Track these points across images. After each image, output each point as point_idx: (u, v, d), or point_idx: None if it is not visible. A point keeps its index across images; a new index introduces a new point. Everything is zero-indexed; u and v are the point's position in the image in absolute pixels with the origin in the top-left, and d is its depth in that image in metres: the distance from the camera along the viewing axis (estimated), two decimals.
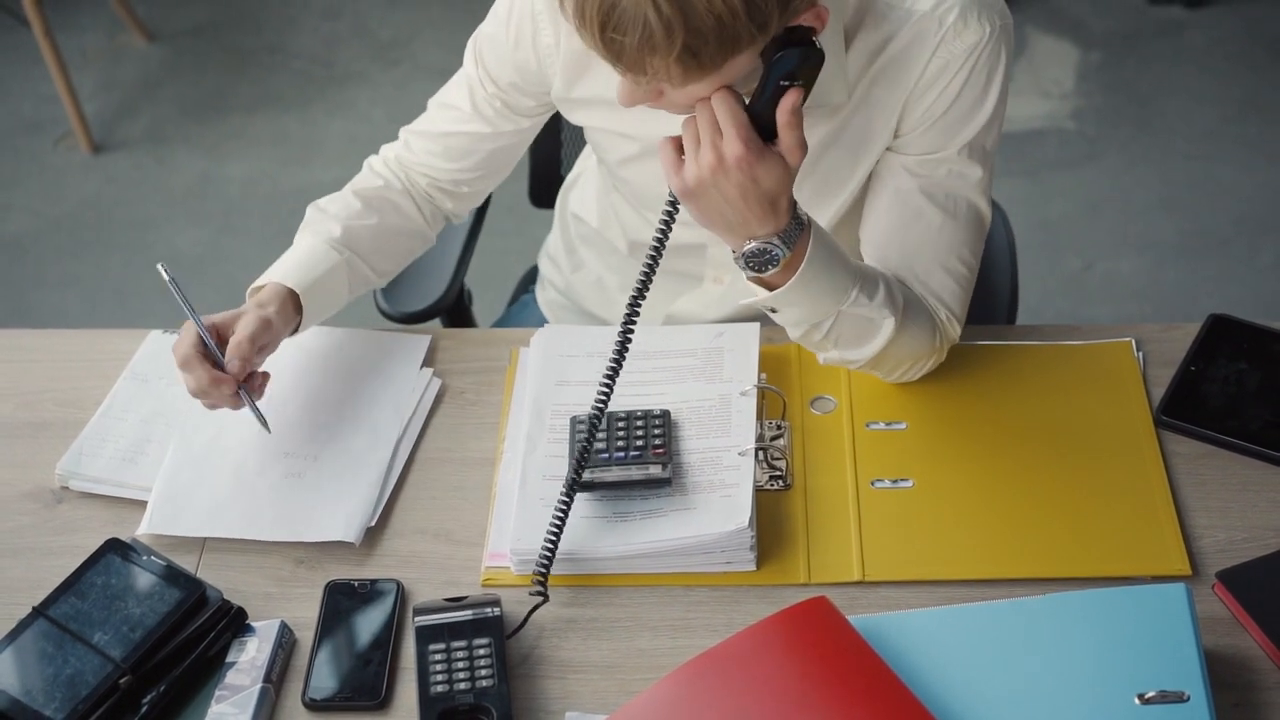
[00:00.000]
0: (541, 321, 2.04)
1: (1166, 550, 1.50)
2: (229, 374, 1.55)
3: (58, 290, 3.32)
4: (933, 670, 1.36)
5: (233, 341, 1.56)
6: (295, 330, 1.66)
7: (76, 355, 1.77)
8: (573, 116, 1.71)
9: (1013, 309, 2.06)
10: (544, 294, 2.06)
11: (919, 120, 1.56)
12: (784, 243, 1.45)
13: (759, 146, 1.39)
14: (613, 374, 1.50)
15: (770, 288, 1.49)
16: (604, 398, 1.50)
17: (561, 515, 1.47)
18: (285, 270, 1.66)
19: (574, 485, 1.49)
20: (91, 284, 3.33)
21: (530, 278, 2.20)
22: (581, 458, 1.50)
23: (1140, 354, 1.70)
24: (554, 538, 1.46)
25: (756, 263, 1.46)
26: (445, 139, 1.75)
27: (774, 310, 1.53)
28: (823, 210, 1.65)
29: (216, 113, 3.75)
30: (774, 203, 1.42)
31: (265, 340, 1.58)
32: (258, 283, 1.66)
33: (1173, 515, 1.53)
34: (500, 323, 2.14)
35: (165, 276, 1.58)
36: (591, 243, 1.92)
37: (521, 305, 2.13)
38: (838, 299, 1.51)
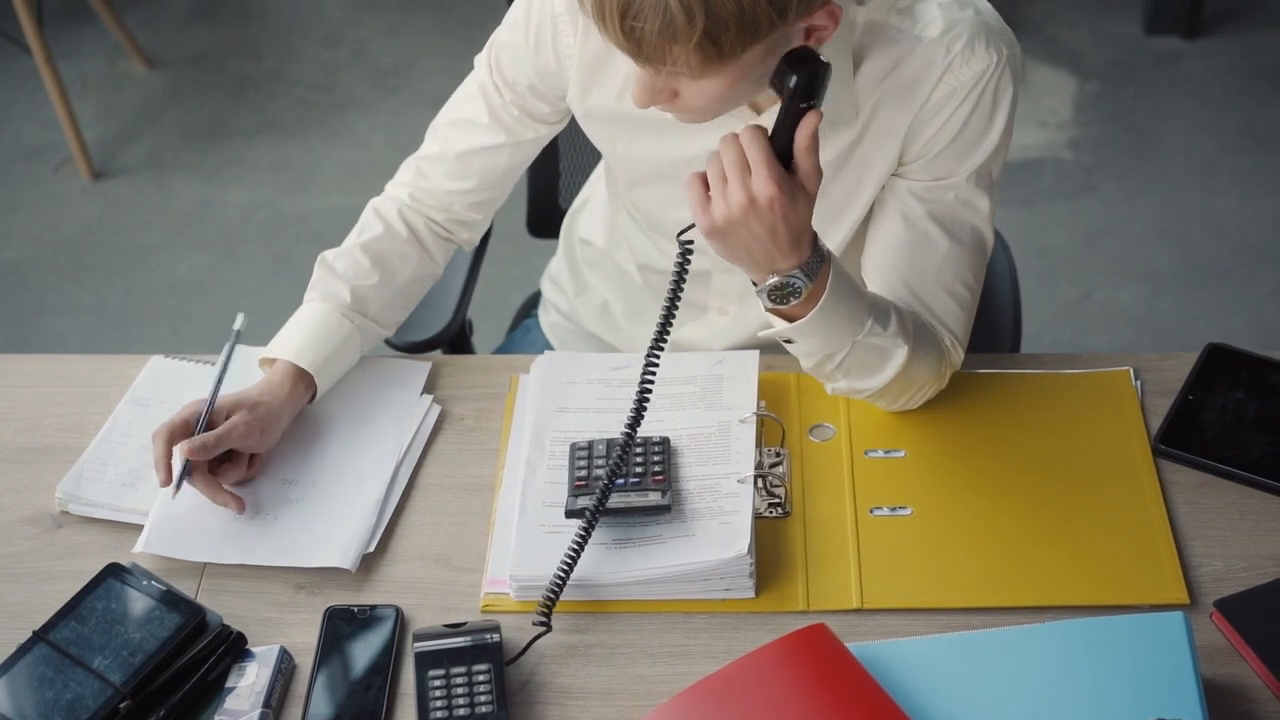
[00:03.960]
0: (543, 346, 2.04)
1: (1164, 579, 1.50)
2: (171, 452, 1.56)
3: (58, 316, 3.32)
4: (931, 698, 1.36)
5: (199, 436, 1.55)
6: (311, 399, 1.68)
7: (78, 380, 1.78)
8: (587, 128, 1.71)
9: (1016, 337, 2.07)
10: (547, 317, 2.06)
11: (925, 146, 1.57)
12: (806, 275, 1.44)
13: (790, 186, 1.38)
14: (635, 421, 1.49)
15: (789, 319, 1.49)
16: (627, 439, 1.49)
17: (578, 547, 1.46)
18: (299, 347, 1.66)
19: (596, 515, 1.48)
20: (92, 310, 3.33)
21: (530, 304, 2.21)
22: (605, 491, 1.49)
23: (1138, 383, 1.70)
24: (567, 569, 1.46)
25: (779, 295, 1.46)
26: (463, 159, 1.74)
27: (789, 341, 1.53)
28: (832, 234, 1.66)
29: (217, 139, 3.76)
30: (799, 238, 1.42)
31: (243, 443, 1.59)
32: (270, 353, 1.67)
33: (1171, 544, 1.53)
34: (501, 349, 2.15)
35: (236, 327, 1.59)
36: (598, 267, 1.93)
37: (523, 330, 2.13)
38: (854, 330, 1.51)
